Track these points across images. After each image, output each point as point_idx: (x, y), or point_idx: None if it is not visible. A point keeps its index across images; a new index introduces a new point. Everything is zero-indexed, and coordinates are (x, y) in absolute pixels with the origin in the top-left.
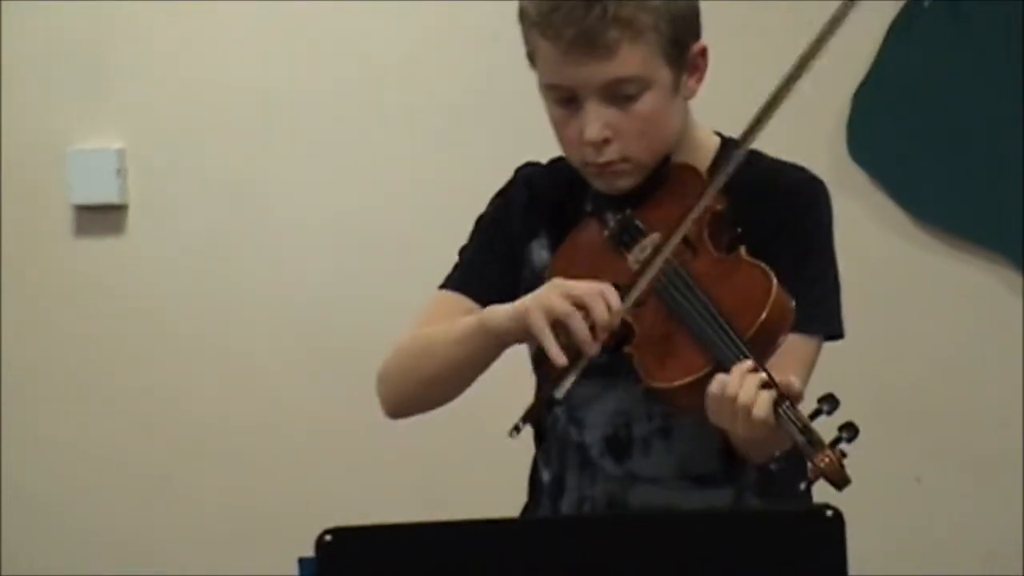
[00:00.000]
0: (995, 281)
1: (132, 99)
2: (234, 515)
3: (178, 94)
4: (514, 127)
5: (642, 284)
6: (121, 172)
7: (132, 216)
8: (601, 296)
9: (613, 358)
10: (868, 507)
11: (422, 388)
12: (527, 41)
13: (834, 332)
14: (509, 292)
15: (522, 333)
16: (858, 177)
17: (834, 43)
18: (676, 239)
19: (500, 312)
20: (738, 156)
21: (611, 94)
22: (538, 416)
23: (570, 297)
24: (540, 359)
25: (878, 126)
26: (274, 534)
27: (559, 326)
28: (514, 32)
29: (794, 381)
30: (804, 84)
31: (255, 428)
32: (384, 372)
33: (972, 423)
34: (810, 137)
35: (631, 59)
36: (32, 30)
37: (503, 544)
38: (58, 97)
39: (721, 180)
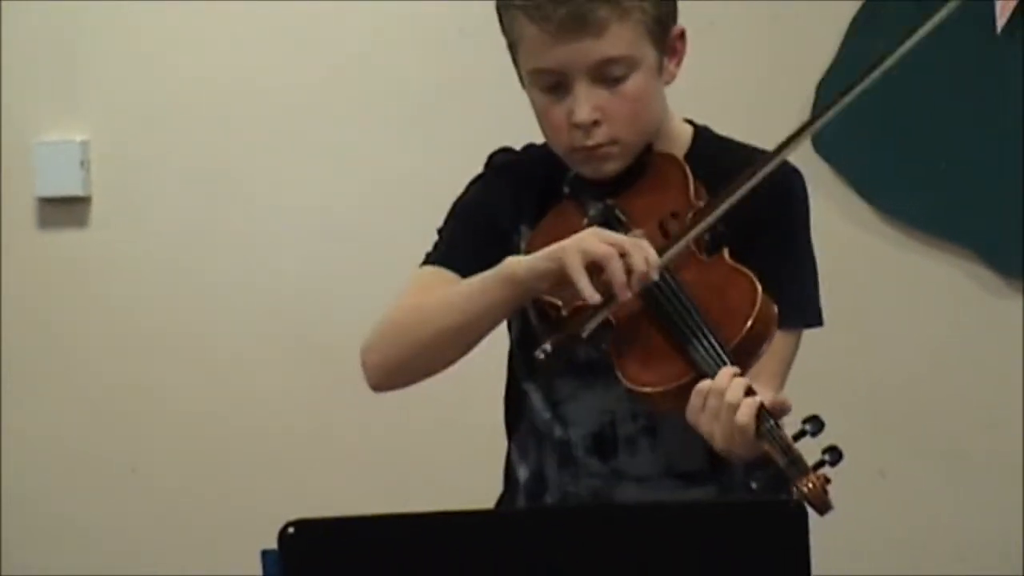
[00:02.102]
0: (960, 275)
1: (97, 91)
2: (205, 508)
3: (143, 86)
4: (483, 120)
5: (679, 247)
6: (85, 164)
7: (96, 208)
8: (641, 247)
9: (596, 354)
10: (832, 501)
11: (421, 350)
12: (509, 29)
13: (814, 323)
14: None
15: (556, 276)
16: (822, 170)
17: (798, 33)
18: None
19: (527, 259)
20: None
21: (600, 75)
22: (566, 351)
23: (610, 241)
24: (525, 340)
25: (842, 118)
26: (247, 528)
27: (594, 268)
28: (479, 26)
29: (786, 399)
30: (774, 76)
31: (224, 421)
32: (371, 342)
33: (938, 417)
34: (774, 129)
35: (620, 38)
36: None
37: (469, 536)
38: (23, 89)
39: (745, 189)
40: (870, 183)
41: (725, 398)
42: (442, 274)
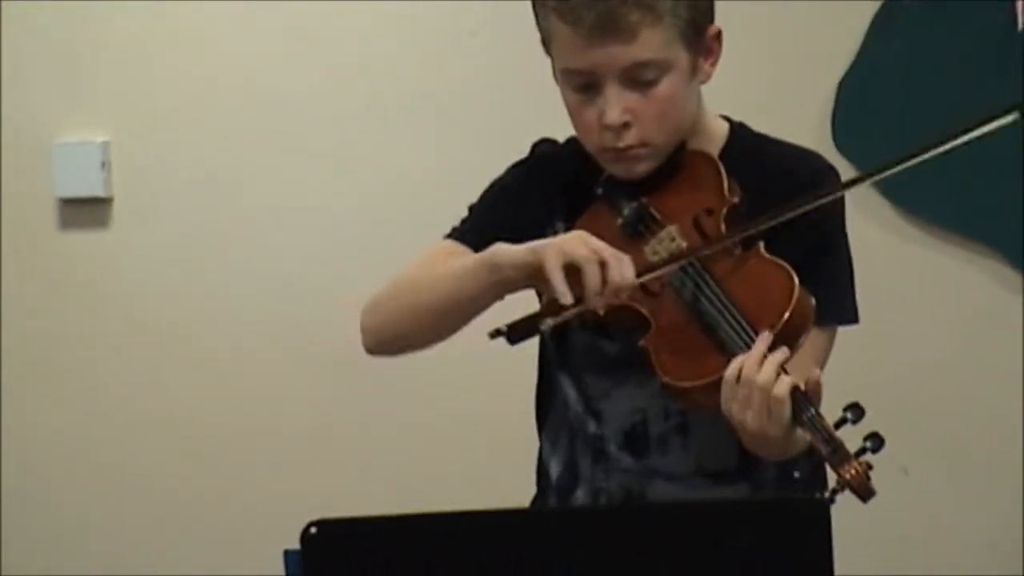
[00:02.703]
0: (982, 273)
1: (117, 92)
2: (221, 510)
3: (163, 87)
4: (491, 121)
5: (658, 273)
6: (106, 165)
7: (117, 209)
8: (621, 262)
9: (627, 350)
10: (854, 499)
11: (411, 319)
12: (543, 26)
13: (850, 319)
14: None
15: (533, 270)
16: (843, 167)
17: (819, 33)
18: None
19: (512, 248)
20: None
21: (631, 78)
22: (523, 334)
23: (591, 248)
24: (557, 328)
25: (863, 116)
26: (263, 528)
27: (571, 271)
28: (491, 28)
29: (815, 372)
30: (795, 76)
31: (241, 421)
32: (372, 303)
33: (960, 416)
34: (795, 127)
35: (651, 42)
36: (17, 24)
37: (491, 536)
38: (43, 90)
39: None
40: (891, 181)
41: (757, 381)
42: (455, 248)
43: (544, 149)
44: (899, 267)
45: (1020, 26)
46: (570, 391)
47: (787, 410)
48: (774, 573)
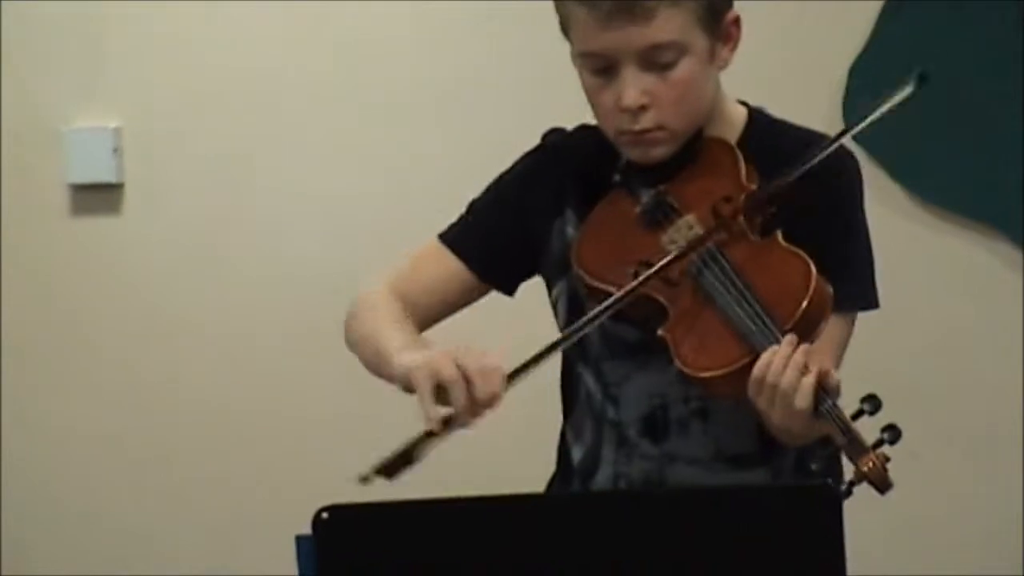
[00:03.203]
0: (994, 258)
1: (129, 78)
2: (233, 496)
3: (175, 73)
4: (509, 106)
5: (538, 362)
6: (118, 151)
7: (129, 195)
8: (486, 376)
9: (645, 336)
10: (864, 486)
11: (354, 345)
12: (560, 11)
13: (870, 305)
14: (508, 258)
15: (408, 387)
16: (855, 153)
17: (830, 17)
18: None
19: (404, 358)
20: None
21: (648, 61)
22: (399, 469)
23: (459, 366)
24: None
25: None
26: (275, 514)
27: (442, 391)
28: (507, 11)
29: (832, 372)
30: (806, 61)
31: (253, 408)
32: (349, 311)
33: (970, 400)
34: (806, 112)
35: (669, 25)
36: (29, 8)
37: (503, 521)
38: (55, 76)
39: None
40: (902, 165)
41: (780, 386)
42: (442, 254)
43: (554, 138)
44: (909, 251)
45: None
46: (589, 378)
47: (809, 409)
48: (785, 559)
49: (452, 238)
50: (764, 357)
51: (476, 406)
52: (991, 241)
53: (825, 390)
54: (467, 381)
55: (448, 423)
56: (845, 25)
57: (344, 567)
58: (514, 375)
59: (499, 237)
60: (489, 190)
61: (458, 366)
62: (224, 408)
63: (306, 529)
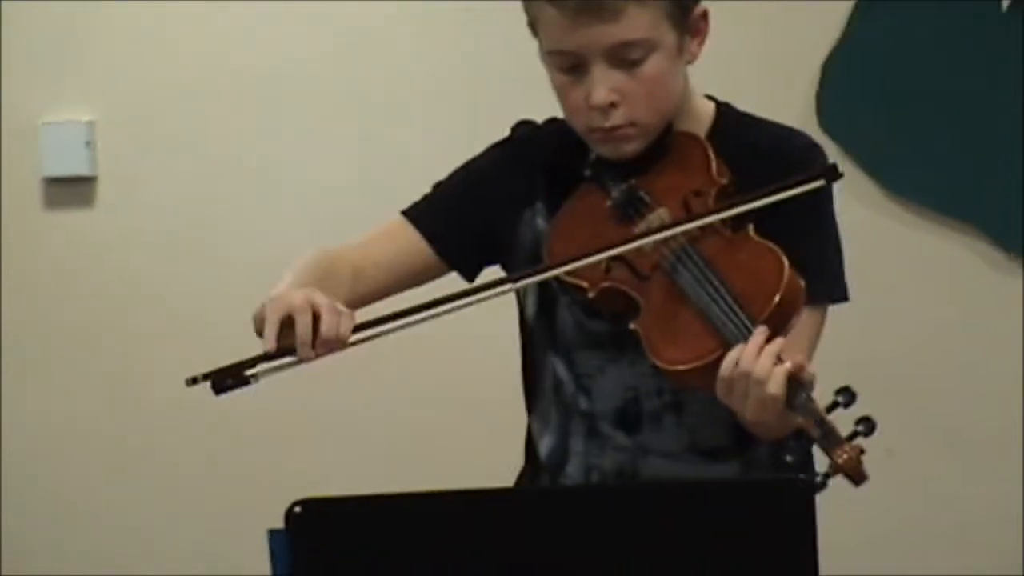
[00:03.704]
0: (966, 253)
1: (102, 71)
2: (205, 489)
3: (149, 66)
4: (490, 98)
5: (383, 330)
6: (91, 144)
7: (102, 188)
8: (339, 316)
9: (617, 330)
10: (839, 480)
11: None
12: (528, 8)
13: (839, 297)
14: (471, 240)
15: (259, 325)
16: (829, 148)
17: (804, 13)
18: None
19: (275, 293)
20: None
21: (617, 58)
22: (224, 383)
23: (310, 301)
24: (544, 309)
25: (849, 96)
26: (253, 510)
27: (288, 323)
28: (485, 3)
29: (806, 365)
30: (780, 56)
31: (227, 401)
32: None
33: (945, 395)
34: (781, 107)
35: (637, 22)
36: (2, 4)
37: (476, 516)
38: (28, 69)
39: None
40: (876, 161)
41: (754, 373)
42: (403, 230)
43: (524, 131)
44: (886, 248)
45: (1005, 6)
46: (561, 369)
47: (783, 400)
48: (757, 552)
49: (416, 214)
50: (736, 348)
51: (318, 341)
52: (967, 238)
53: (799, 383)
54: (316, 317)
55: (286, 350)
56: (818, 21)
57: (317, 561)
58: (365, 326)
59: (463, 218)
60: (456, 173)
61: (311, 303)
62: (196, 400)
63: (279, 523)
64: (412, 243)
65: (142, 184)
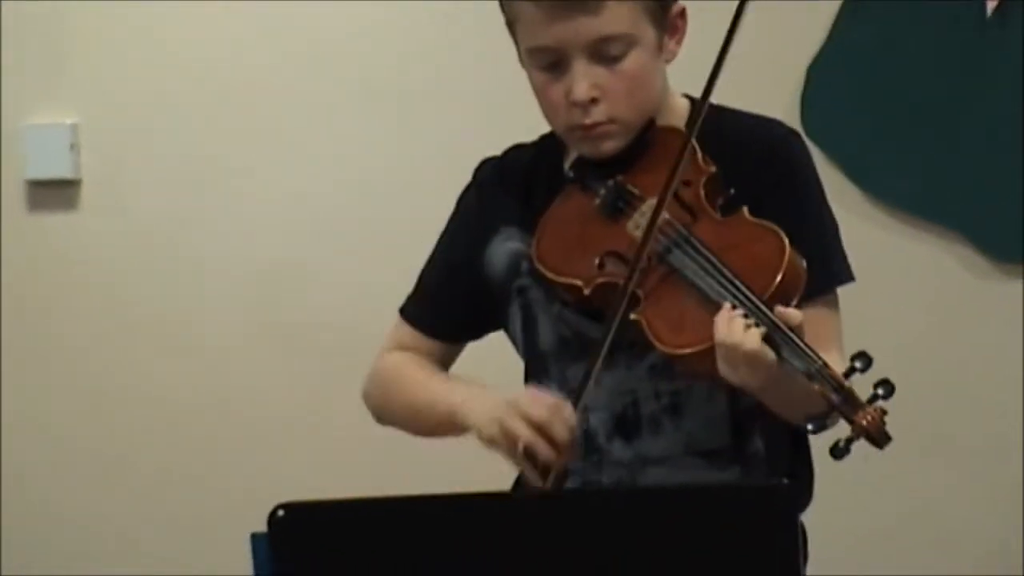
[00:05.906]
0: (949, 259)
1: (86, 74)
2: (188, 493)
3: (133, 69)
4: (474, 103)
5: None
6: (75, 147)
7: (86, 191)
8: (560, 413)
9: (614, 333)
10: (823, 486)
11: (395, 423)
12: (507, 8)
13: (845, 279)
14: (470, 315)
15: (494, 449)
16: (812, 153)
17: (789, 16)
18: (667, 200)
19: (474, 417)
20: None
21: (597, 53)
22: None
23: (530, 422)
24: (528, 327)
25: (833, 101)
26: (238, 515)
27: (528, 451)
28: (467, 11)
29: (791, 309)
30: (765, 59)
31: (212, 405)
32: (365, 390)
33: (927, 400)
34: (765, 110)
35: (617, 16)
36: None
37: (462, 521)
38: (12, 72)
39: (694, 132)
40: (860, 166)
41: (728, 340)
42: (415, 339)
43: (482, 173)
44: (867, 253)
45: (989, 11)
46: (555, 387)
47: (767, 356)
48: (740, 559)
49: (414, 314)
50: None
51: (562, 448)
52: (950, 243)
53: (779, 330)
54: (542, 431)
55: (549, 471)
56: (804, 24)
57: (300, 565)
58: (576, 399)
59: (452, 301)
60: (435, 252)
61: (528, 423)
62: (180, 404)
63: (262, 527)
64: (422, 340)
65: (126, 187)
